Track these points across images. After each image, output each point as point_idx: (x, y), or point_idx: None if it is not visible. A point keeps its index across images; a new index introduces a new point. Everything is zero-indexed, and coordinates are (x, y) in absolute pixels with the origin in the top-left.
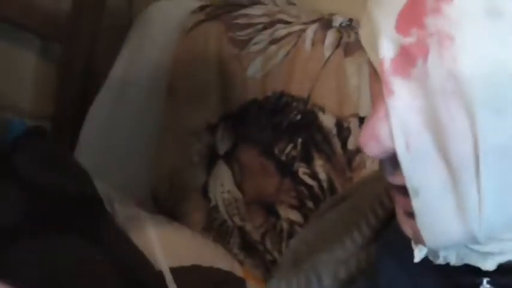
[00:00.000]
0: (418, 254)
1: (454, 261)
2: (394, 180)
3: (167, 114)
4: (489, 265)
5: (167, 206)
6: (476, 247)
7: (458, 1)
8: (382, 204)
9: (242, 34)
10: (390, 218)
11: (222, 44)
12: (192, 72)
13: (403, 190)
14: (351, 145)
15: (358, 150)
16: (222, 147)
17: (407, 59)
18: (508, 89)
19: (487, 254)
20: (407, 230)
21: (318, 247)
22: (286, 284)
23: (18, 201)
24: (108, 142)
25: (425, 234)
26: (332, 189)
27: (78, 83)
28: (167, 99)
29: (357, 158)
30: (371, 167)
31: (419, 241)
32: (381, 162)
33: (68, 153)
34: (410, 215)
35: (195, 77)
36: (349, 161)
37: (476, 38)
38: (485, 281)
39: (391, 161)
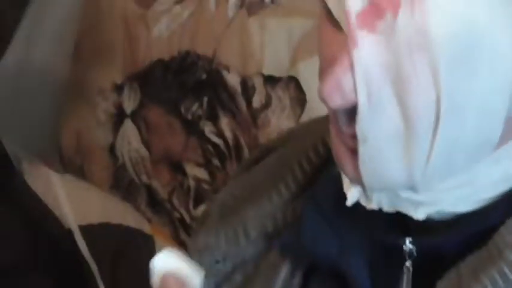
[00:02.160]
0: (351, 197)
1: (386, 207)
2: (347, 129)
3: (73, 74)
4: (419, 214)
5: (75, 165)
6: (409, 195)
7: None
8: (308, 159)
9: None
10: (316, 173)
11: (127, 4)
12: (97, 31)
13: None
14: (255, 103)
15: (263, 108)
16: (129, 107)
17: (375, 12)
18: (474, 48)
19: (418, 203)
20: (348, 169)
21: (245, 201)
22: (215, 237)
23: None
24: (13, 102)
25: (365, 176)
26: (238, 146)
27: None
28: (73, 59)
29: (262, 116)
30: (276, 124)
31: (357, 181)
32: (331, 112)
33: None
34: (353, 151)
35: (100, 36)
36: (254, 119)
37: None
38: (407, 240)
39: (347, 112)
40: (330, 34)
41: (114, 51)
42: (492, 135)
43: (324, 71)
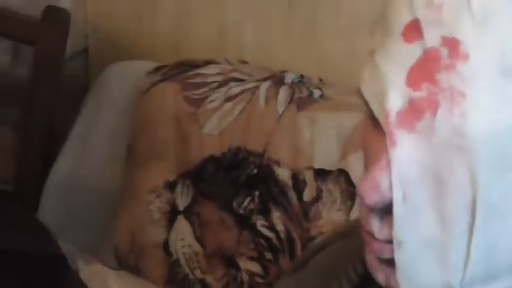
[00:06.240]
0: None
1: None
2: (380, 231)
3: (127, 173)
4: None
5: (130, 263)
6: None
7: (473, 60)
8: (361, 260)
9: (198, 93)
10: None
11: (179, 103)
12: (150, 131)
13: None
14: (306, 196)
15: (314, 202)
16: (182, 203)
17: (414, 112)
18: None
19: None
20: (380, 277)
21: None
22: None
23: None
24: (69, 202)
25: (403, 284)
26: (290, 240)
27: (38, 147)
28: (127, 159)
29: (313, 209)
30: (327, 217)
31: None
32: (366, 212)
33: (30, 213)
34: (385, 261)
35: (153, 136)
36: (306, 212)
37: (488, 96)
38: None
39: (381, 212)
40: (373, 134)
41: (166, 150)
42: None
43: (365, 169)
